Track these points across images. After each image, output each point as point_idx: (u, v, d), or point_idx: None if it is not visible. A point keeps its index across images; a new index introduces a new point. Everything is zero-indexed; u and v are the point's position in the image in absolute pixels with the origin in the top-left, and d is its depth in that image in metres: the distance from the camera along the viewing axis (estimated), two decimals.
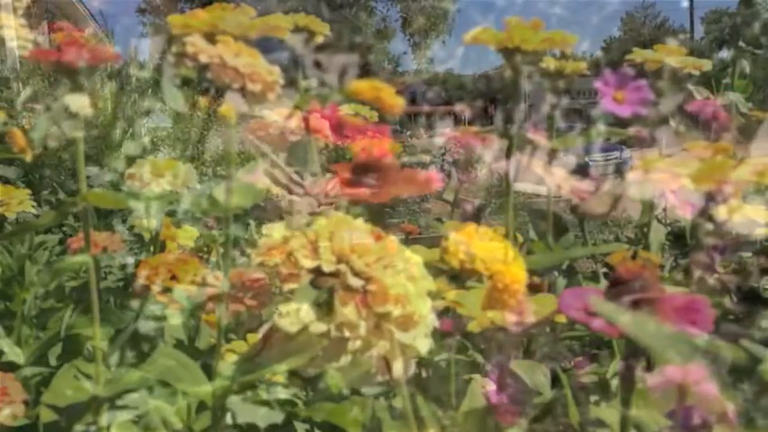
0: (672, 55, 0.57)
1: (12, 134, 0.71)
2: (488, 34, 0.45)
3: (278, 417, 0.50)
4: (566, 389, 0.45)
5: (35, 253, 1.00)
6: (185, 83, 0.38)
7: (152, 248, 0.68)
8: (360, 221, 0.32)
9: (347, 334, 0.28)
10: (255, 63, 0.37)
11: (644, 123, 0.56)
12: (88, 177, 1.46)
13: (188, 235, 0.72)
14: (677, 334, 0.20)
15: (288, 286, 0.29)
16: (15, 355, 0.61)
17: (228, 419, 0.48)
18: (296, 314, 0.28)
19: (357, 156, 0.37)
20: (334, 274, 0.29)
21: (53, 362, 0.65)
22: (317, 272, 0.29)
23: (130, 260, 0.82)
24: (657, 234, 0.60)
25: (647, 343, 0.19)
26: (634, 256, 0.33)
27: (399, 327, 0.29)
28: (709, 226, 0.48)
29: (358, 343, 0.28)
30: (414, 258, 0.31)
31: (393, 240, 0.31)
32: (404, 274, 0.30)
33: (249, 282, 0.54)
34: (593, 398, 0.52)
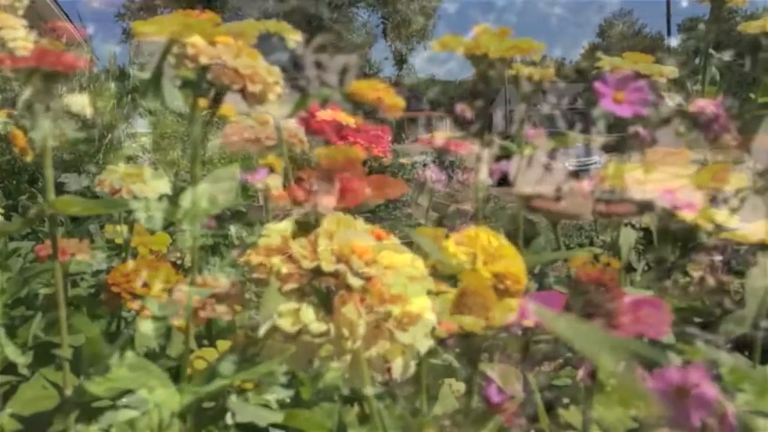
0: (639, 62, 0.58)
1: (13, 135, 0.70)
2: (456, 41, 0.45)
3: (277, 416, 0.48)
4: (535, 392, 0.46)
5: (8, 260, 0.98)
6: (186, 84, 0.38)
7: (123, 255, 0.67)
8: (360, 222, 0.32)
9: (347, 333, 0.28)
10: (256, 64, 0.37)
11: (645, 124, 0.57)
12: (64, 184, 1.44)
13: (160, 241, 0.72)
14: (611, 338, 0.21)
15: (287, 287, 0.29)
16: None
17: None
18: (295, 314, 0.28)
19: (321, 162, 0.37)
20: (334, 274, 0.29)
21: (23, 371, 0.64)
22: (317, 272, 0.29)
23: (104, 266, 0.81)
24: (627, 238, 0.60)
25: (580, 347, 0.19)
26: (596, 260, 0.34)
27: (399, 326, 0.29)
28: (710, 227, 0.48)
29: (358, 342, 0.28)
30: (414, 258, 0.31)
31: (393, 240, 0.31)
32: (403, 273, 0.30)
33: (220, 288, 0.54)
34: (565, 401, 0.52)
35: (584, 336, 0.19)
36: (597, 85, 0.48)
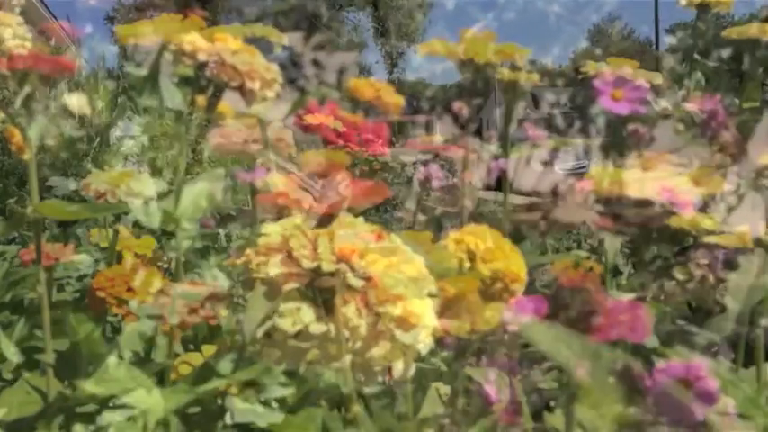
0: (624, 67, 0.58)
1: (10, 133, 0.70)
2: (442, 46, 0.46)
3: (277, 417, 0.47)
4: (521, 395, 0.46)
5: None
6: (184, 81, 0.38)
7: (109, 259, 0.67)
8: (360, 221, 0.31)
9: (347, 334, 0.28)
10: (254, 61, 0.37)
11: (641, 122, 0.57)
12: (53, 187, 1.43)
13: (145, 244, 0.71)
14: (588, 345, 0.21)
15: (287, 286, 0.29)
16: None
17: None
18: (296, 314, 0.28)
19: (307, 167, 0.37)
20: (335, 274, 0.29)
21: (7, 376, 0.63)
22: (317, 272, 0.29)
23: (90, 270, 0.80)
24: (613, 241, 0.61)
25: (554, 354, 0.19)
26: (577, 265, 0.34)
27: (400, 327, 0.29)
28: (696, 230, 0.49)
29: (358, 343, 0.28)
30: (415, 258, 0.31)
31: (394, 240, 0.31)
32: (404, 273, 0.30)
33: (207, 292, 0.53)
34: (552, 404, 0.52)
35: (559, 343, 0.19)
36: (596, 82, 0.48)
